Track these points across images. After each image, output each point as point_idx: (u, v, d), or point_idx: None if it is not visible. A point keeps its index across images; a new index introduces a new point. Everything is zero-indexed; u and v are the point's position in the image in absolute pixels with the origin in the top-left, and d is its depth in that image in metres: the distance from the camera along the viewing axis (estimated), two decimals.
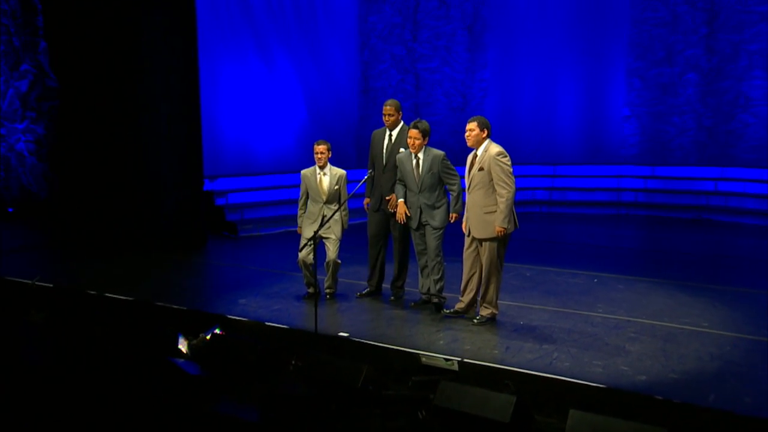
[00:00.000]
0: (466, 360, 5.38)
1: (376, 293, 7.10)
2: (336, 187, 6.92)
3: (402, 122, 6.82)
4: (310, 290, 7.16)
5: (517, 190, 13.09)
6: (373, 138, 6.94)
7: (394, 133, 6.80)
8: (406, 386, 5.34)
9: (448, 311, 6.48)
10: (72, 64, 10.75)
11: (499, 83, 14.58)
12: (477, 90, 14.66)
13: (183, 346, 6.00)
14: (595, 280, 7.88)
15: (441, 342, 5.85)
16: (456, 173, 6.51)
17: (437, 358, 5.49)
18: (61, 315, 6.80)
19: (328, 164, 7.01)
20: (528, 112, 14.44)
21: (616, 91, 14.11)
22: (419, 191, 6.54)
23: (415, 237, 6.74)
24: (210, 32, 12.36)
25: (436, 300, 6.70)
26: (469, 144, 6.19)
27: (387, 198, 6.82)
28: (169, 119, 9.72)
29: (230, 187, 11.64)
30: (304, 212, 7.04)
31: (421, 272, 6.81)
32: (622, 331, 6.10)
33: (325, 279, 7.10)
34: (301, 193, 7.08)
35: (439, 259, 6.60)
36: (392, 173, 6.70)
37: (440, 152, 6.55)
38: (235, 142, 12.73)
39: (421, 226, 6.64)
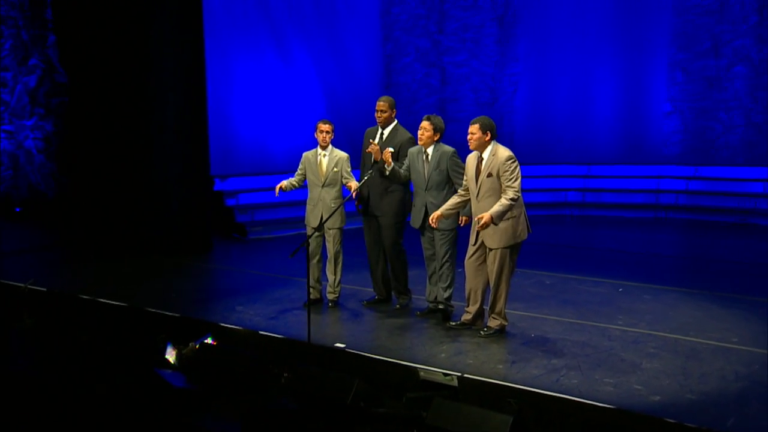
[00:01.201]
0: (466, 375, 5.25)
1: (385, 301, 6.99)
2: (335, 169, 6.84)
3: (395, 120, 6.70)
4: (311, 295, 7.09)
5: (548, 191, 13.39)
6: (365, 136, 6.83)
7: (386, 131, 6.69)
8: (401, 402, 5.23)
9: (453, 323, 6.35)
10: (81, 59, 10.87)
11: (531, 77, 14.34)
12: (507, 85, 14.46)
13: (171, 355, 5.99)
14: (620, 290, 7.67)
15: (443, 355, 5.72)
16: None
17: (436, 373, 5.37)
18: (50, 321, 6.84)
19: (331, 145, 6.93)
20: (562, 109, 14.18)
21: (657, 85, 13.78)
22: (426, 189, 6.44)
23: (423, 241, 6.63)
24: (223, 26, 12.41)
25: (443, 308, 6.58)
26: (471, 147, 6.07)
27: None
28: (176, 117, 9.76)
29: (242, 186, 11.65)
30: (294, 182, 6.95)
31: (429, 279, 6.70)
32: (640, 346, 5.90)
33: (328, 284, 7.04)
34: (298, 171, 7.01)
35: (448, 264, 6.49)
36: (380, 175, 6.60)
37: (450, 148, 6.44)
38: (249, 140, 12.74)
39: (428, 228, 6.52)
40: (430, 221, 6.14)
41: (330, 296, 7.06)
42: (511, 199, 5.83)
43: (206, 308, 7.14)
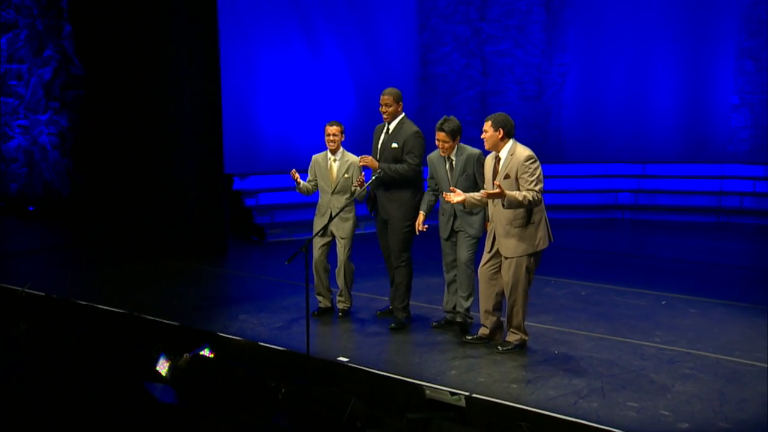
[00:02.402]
0: (474, 395, 5.14)
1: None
2: (346, 175, 6.80)
3: (402, 114, 6.59)
4: (321, 304, 7.09)
5: (597, 192, 13.11)
6: (374, 133, 6.75)
7: (392, 126, 6.58)
8: (402, 423, 5.14)
9: (470, 337, 6.23)
10: (98, 50, 11.07)
11: (581, 68, 14.11)
12: (555, 76, 14.24)
13: (163, 368, 5.99)
14: (663, 303, 7.45)
15: (453, 372, 5.62)
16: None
17: (443, 392, 5.27)
18: (43, 328, 6.94)
19: (341, 149, 6.89)
20: (615, 102, 13.91)
21: (724, 75, 13.39)
22: None
23: (444, 247, 6.53)
24: (247, 13, 12.50)
25: (460, 319, 6.47)
26: (486, 147, 5.94)
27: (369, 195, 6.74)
28: (192, 113, 9.84)
29: (262, 186, 11.68)
30: (310, 187, 6.96)
31: (448, 287, 6.61)
32: (676, 366, 5.70)
33: (338, 292, 7.00)
34: (308, 177, 7.03)
35: (469, 272, 6.38)
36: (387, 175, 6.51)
37: (476, 151, 6.32)
38: (273, 135, 12.80)
39: (453, 233, 6.42)
40: (447, 197, 5.96)
41: (340, 306, 7.02)
42: (533, 198, 5.68)
43: (208, 316, 7.15)
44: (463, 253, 6.37)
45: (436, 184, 6.47)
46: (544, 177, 13.59)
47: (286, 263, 5.82)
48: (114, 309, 7.27)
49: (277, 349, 6.13)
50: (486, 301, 6.05)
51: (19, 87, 13.25)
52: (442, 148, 6.29)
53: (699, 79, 13.56)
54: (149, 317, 7.00)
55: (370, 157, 6.58)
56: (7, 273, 8.87)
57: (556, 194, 13.10)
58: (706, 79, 13.52)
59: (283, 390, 5.56)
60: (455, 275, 6.51)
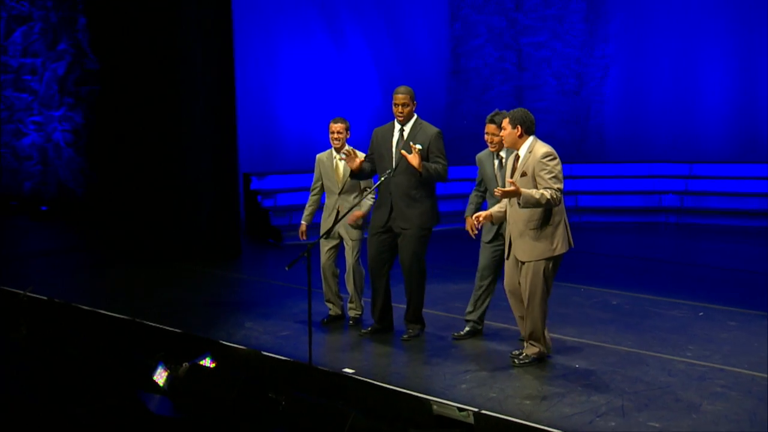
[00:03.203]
0: (483, 411, 5.06)
1: (384, 331, 6.73)
2: None
3: (415, 115, 6.51)
4: (331, 312, 7.08)
5: (640, 193, 12.93)
6: (374, 136, 6.58)
7: (407, 128, 6.46)
8: None
9: (516, 352, 6.09)
10: (113, 43, 11.20)
11: (624, 60, 13.96)
12: (596, 69, 14.11)
13: (161, 377, 6.01)
14: (701, 314, 7.30)
15: (463, 386, 5.56)
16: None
17: (450, 407, 5.21)
18: (43, 333, 7.03)
19: (347, 146, 6.86)
20: (661, 97, 13.74)
21: None
22: (502, 198, 6.26)
23: (484, 250, 6.45)
24: (268, 6, 12.56)
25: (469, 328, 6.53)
26: (505, 145, 5.89)
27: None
28: (206, 109, 9.92)
29: (281, 185, 11.71)
30: (313, 204, 6.99)
31: (476, 294, 6.55)
32: (706, 383, 5.57)
33: (349, 298, 6.98)
34: (314, 179, 7.05)
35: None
36: (405, 178, 6.40)
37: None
38: (294, 133, 12.84)
39: (498, 237, 6.35)
40: (475, 220, 5.88)
41: (351, 313, 6.99)
42: (551, 196, 5.58)
43: (213, 323, 7.17)
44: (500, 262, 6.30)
45: (482, 184, 6.42)
46: (584, 177, 13.56)
47: (287, 268, 5.83)
48: (116, 315, 7.33)
49: (281, 359, 6.12)
50: (518, 307, 5.96)
51: (33, 82, 13.48)
52: (491, 142, 6.25)
53: (751, 73, 13.31)
54: (151, 324, 7.04)
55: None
56: (15, 275, 9.03)
57: (596, 196, 12.97)
58: (759, 73, 13.26)
59: (283, 402, 5.55)
60: (490, 282, 6.45)
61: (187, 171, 10.00)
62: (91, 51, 12.87)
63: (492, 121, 6.20)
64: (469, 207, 6.54)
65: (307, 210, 7.12)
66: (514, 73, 14.14)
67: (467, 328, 6.60)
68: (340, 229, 6.89)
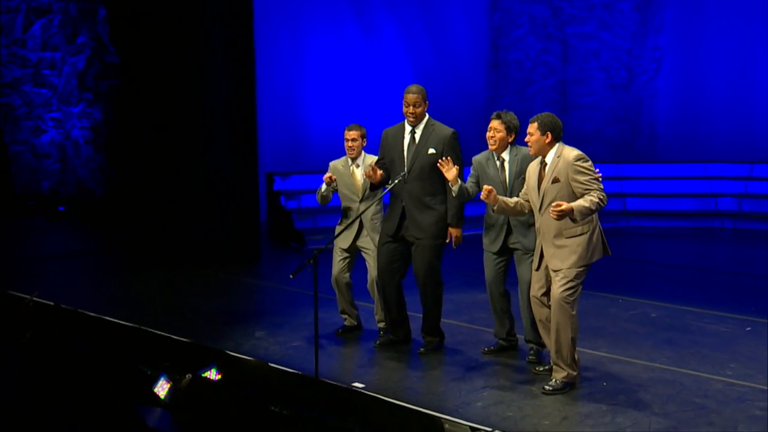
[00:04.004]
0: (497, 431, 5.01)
1: (402, 342, 6.71)
2: None
3: (427, 115, 6.44)
4: (347, 322, 7.07)
5: (694, 196, 12.73)
6: (384, 138, 6.54)
7: (418, 130, 6.39)
8: None
9: (540, 369, 6.01)
10: (133, 36, 11.33)
11: (679, 52, 13.82)
12: (648, 61, 13.97)
13: (162, 390, 6.05)
14: (748, 329, 7.14)
15: (479, 404, 5.50)
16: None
17: (462, 426, 5.15)
18: (46, 340, 7.13)
19: (363, 154, 6.86)
20: (718, 92, 13.57)
21: None
22: None
23: (489, 261, 6.39)
24: None
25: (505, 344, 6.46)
26: (531, 152, 5.79)
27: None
28: (226, 106, 10.00)
29: (306, 186, 11.74)
30: (321, 190, 6.92)
31: (495, 313, 6.50)
32: (745, 405, 5.43)
33: (374, 309, 6.96)
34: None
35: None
36: (419, 185, 6.34)
37: None
38: (322, 130, 12.85)
39: (506, 251, 6.28)
40: (484, 192, 5.77)
41: (381, 325, 6.92)
42: (600, 200, 5.52)
43: (223, 332, 7.22)
44: (525, 273, 6.20)
45: (476, 184, 6.33)
46: (633, 178, 13.39)
47: (291, 276, 5.82)
48: (122, 322, 7.40)
49: (287, 372, 6.12)
50: (544, 313, 5.86)
51: (53, 77, 13.73)
52: (493, 139, 6.16)
53: None
54: (158, 332, 7.09)
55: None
56: (26, 279, 9.19)
57: (646, 199, 12.83)
58: None
59: (285, 417, 5.55)
60: (500, 295, 6.38)
61: (206, 171, 10.10)
62: (111, 44, 13.05)
63: (498, 117, 6.11)
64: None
65: (324, 189, 6.94)
66: (558, 66, 14.03)
67: (498, 343, 6.54)
68: (362, 240, 6.86)
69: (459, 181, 6.10)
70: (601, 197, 5.55)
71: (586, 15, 13.91)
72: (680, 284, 9.09)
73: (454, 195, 6.17)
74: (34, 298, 7.97)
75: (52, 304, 7.97)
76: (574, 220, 5.52)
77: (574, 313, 5.68)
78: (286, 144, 12.51)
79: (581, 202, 5.49)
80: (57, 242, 11.60)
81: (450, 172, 6.05)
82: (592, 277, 8.57)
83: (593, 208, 5.51)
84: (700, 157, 13.27)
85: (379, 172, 6.36)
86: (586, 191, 5.57)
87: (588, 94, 13.91)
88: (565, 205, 5.44)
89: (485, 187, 5.80)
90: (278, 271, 9.96)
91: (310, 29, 12.77)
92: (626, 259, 10.24)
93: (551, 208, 5.48)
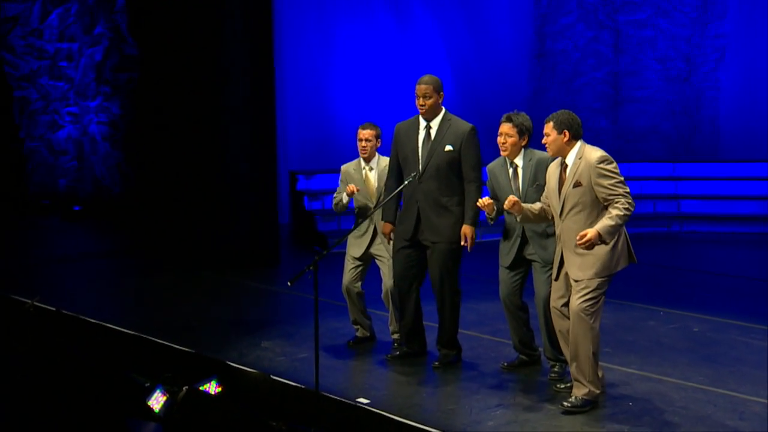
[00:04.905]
0: None
1: (416, 354, 6.71)
2: None
3: (443, 109, 6.42)
4: (359, 333, 7.10)
5: (758, 199, 12.52)
6: (397, 133, 6.52)
7: (434, 124, 6.38)
8: None
9: (562, 386, 5.98)
10: (153, 26, 11.51)
11: (745, 40, 13.64)
12: (710, 51, 13.85)
13: (157, 403, 6.14)
14: None
15: (490, 423, 5.49)
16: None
17: None
18: (43, 346, 7.29)
19: (377, 155, 6.89)
20: None
21: None
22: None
23: (504, 276, 6.34)
24: None
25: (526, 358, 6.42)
26: (549, 154, 5.75)
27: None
28: (246, 102, 10.11)
29: (330, 186, 11.69)
30: (341, 200, 6.94)
31: (512, 326, 6.47)
32: None
33: (389, 320, 6.98)
34: (337, 192, 7.05)
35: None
36: (435, 184, 6.33)
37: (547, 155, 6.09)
38: (352, 125, 12.80)
39: (522, 262, 6.25)
40: (508, 203, 5.76)
41: (395, 336, 6.92)
42: (626, 209, 5.48)
43: (228, 342, 7.29)
44: (543, 288, 6.17)
45: (495, 196, 6.31)
46: (690, 179, 13.23)
47: (289, 284, 5.86)
48: (124, 330, 7.54)
49: (290, 385, 6.17)
50: (564, 324, 5.84)
51: (70, 69, 14.00)
52: (504, 145, 6.13)
53: None
54: (160, 341, 7.21)
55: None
56: (32, 283, 9.42)
57: (704, 201, 12.67)
58: None
59: None
60: (517, 309, 6.36)
61: (223, 171, 10.21)
62: (130, 35, 13.26)
63: (509, 120, 6.06)
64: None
65: (336, 199, 7.02)
66: (609, 57, 13.94)
67: (518, 358, 6.52)
68: (376, 247, 6.88)
69: (495, 208, 6.08)
70: (627, 206, 5.48)
71: (641, 0, 13.78)
72: (731, 295, 8.93)
73: (491, 223, 6.22)
74: (35, 303, 8.17)
75: (53, 309, 8.17)
76: (604, 243, 5.48)
77: (595, 325, 5.63)
78: (313, 140, 12.59)
79: (606, 222, 5.44)
80: (69, 244, 11.81)
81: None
82: (632, 287, 8.65)
83: (620, 222, 5.46)
84: (765, 157, 13.02)
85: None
86: (610, 197, 5.51)
87: (642, 86, 13.80)
88: (589, 233, 5.41)
89: (510, 197, 5.78)
90: (292, 276, 10.02)
91: (338, 17, 12.85)
92: (676, 267, 10.12)
93: (576, 242, 5.47)
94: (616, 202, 5.51)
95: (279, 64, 11.53)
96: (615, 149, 13.54)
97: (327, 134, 12.69)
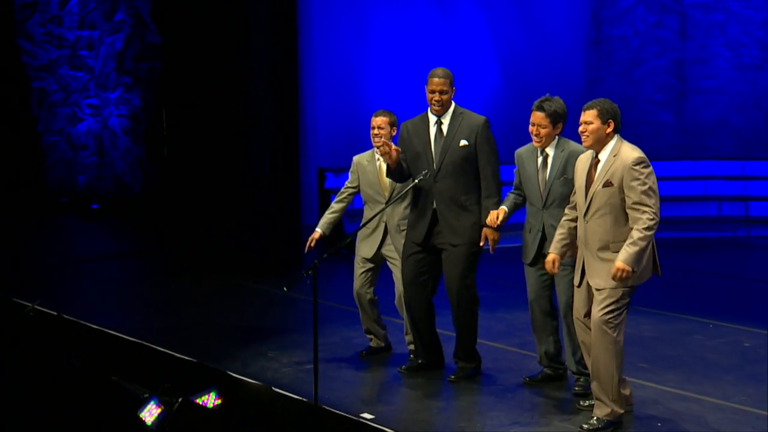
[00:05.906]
0: None
1: (432, 367, 6.72)
2: None
3: (453, 103, 6.41)
4: (372, 343, 7.12)
5: None
6: (403, 132, 6.53)
7: (445, 120, 6.36)
8: None
9: (585, 404, 5.96)
10: (177, 13, 11.68)
11: None
12: None
13: (150, 415, 6.22)
14: None
15: None
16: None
17: None
18: (40, 352, 7.44)
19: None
20: None
21: None
22: (544, 206, 6.15)
23: (529, 276, 6.31)
24: None
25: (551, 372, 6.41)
26: (585, 144, 5.68)
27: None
28: (270, 95, 10.23)
29: None
30: (338, 212, 7.03)
31: (536, 333, 6.46)
32: None
33: (404, 328, 6.99)
34: (347, 183, 7.09)
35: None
36: (452, 182, 6.32)
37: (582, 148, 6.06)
38: None
39: (541, 257, 6.23)
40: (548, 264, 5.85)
41: (412, 347, 6.93)
42: (647, 228, 5.41)
43: (233, 350, 7.37)
44: (564, 292, 6.15)
45: (521, 183, 6.32)
46: (760, 178, 13.01)
47: (285, 289, 5.90)
48: (126, 336, 7.65)
49: (290, 397, 6.21)
50: (588, 335, 5.80)
51: (90, 58, 14.26)
52: (536, 135, 6.11)
53: None
54: (161, 349, 7.31)
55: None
56: (39, 286, 9.62)
57: None
58: None
59: None
60: (545, 315, 6.33)
61: (246, 169, 10.33)
62: (152, 21, 13.47)
63: (540, 108, 6.03)
64: (506, 202, 6.34)
65: (327, 217, 7.11)
66: (674, 44, 13.82)
67: (542, 372, 6.49)
68: (387, 248, 6.91)
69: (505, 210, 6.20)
70: (650, 223, 5.39)
71: None
72: None
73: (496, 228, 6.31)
74: (36, 307, 8.33)
75: (54, 314, 8.33)
76: (634, 272, 5.43)
77: (618, 339, 5.57)
78: (345, 136, 12.66)
79: (630, 251, 5.37)
80: (84, 245, 12.05)
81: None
82: (680, 297, 8.54)
83: (644, 245, 5.39)
84: None
85: (395, 151, 6.20)
86: (635, 206, 5.41)
87: (711, 76, 13.66)
88: (616, 265, 5.38)
89: (549, 257, 5.83)
90: (317, 282, 10.06)
91: (375, 3, 12.88)
92: (737, 275, 9.94)
93: (613, 277, 5.43)
94: (639, 218, 5.42)
95: (310, 55, 11.66)
96: (679, 145, 13.43)
97: (359, 129, 12.70)
